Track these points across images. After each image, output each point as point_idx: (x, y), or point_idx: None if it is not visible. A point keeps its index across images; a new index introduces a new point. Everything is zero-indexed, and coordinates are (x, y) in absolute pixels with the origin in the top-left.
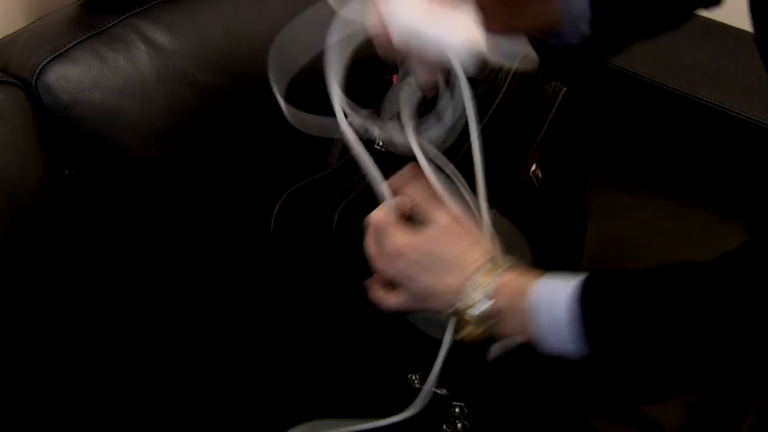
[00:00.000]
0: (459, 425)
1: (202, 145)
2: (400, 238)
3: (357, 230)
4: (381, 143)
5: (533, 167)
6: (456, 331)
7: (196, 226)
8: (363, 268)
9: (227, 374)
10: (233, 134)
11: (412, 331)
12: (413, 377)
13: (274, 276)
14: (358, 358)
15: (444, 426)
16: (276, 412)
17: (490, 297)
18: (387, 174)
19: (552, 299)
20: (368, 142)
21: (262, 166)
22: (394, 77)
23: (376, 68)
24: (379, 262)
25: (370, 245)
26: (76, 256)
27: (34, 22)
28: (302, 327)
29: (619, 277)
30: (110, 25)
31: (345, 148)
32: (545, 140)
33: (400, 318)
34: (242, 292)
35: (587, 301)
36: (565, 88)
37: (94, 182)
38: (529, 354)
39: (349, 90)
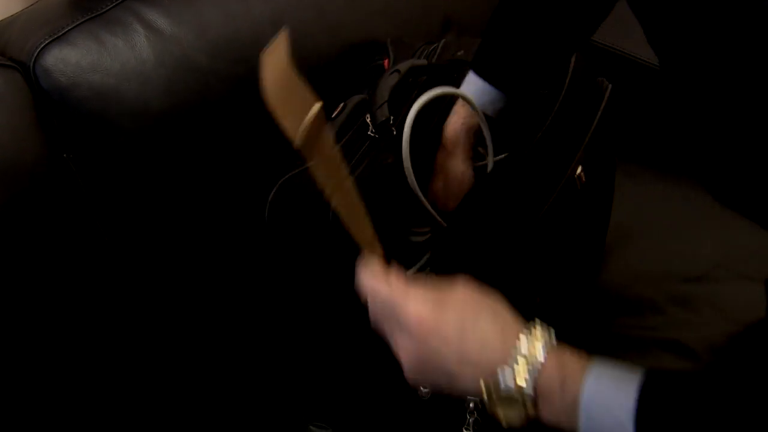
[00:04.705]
0: (471, 419)
1: (201, 128)
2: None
3: None
4: (374, 131)
5: (578, 170)
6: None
7: (195, 210)
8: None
9: (227, 361)
10: (231, 118)
11: None
12: None
13: (270, 261)
14: (361, 341)
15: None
16: (280, 402)
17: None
18: (376, 159)
19: (610, 401)
20: (362, 129)
21: (259, 149)
22: (386, 62)
23: (368, 53)
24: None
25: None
26: (75, 239)
27: (32, 5)
28: (299, 313)
29: (677, 384)
30: (108, 8)
31: (336, 136)
32: (591, 141)
33: None
34: (240, 276)
35: (649, 411)
36: (610, 85)
37: (92, 165)
38: None
39: (342, 74)
